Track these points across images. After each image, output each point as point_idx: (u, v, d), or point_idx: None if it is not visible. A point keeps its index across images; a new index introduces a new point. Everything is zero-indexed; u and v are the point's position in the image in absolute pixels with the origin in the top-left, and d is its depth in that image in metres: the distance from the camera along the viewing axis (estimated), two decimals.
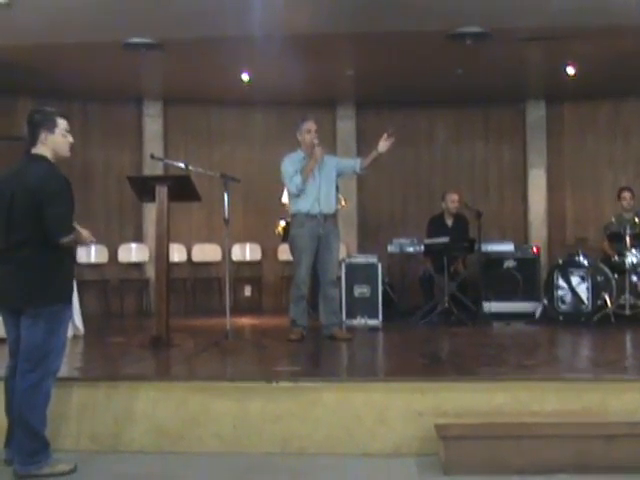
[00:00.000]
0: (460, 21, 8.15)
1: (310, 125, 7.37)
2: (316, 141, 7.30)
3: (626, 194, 9.58)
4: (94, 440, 5.00)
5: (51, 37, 8.15)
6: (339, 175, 7.56)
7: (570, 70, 9.85)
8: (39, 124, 4.51)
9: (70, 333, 7.70)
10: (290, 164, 7.38)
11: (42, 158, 4.50)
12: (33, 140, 4.52)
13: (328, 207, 7.38)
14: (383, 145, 7.27)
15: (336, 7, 7.55)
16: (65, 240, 4.39)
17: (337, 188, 7.54)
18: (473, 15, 7.92)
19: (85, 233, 4.59)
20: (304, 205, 7.33)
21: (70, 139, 4.60)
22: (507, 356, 6.69)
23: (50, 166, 4.51)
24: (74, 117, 11.30)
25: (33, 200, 4.36)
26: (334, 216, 7.48)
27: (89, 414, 5.02)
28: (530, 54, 9.36)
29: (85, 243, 4.67)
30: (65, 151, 4.60)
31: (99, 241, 11.25)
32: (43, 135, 4.50)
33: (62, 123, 4.56)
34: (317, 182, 7.33)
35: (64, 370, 6.01)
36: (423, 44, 8.83)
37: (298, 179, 7.28)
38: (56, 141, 4.54)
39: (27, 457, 4.38)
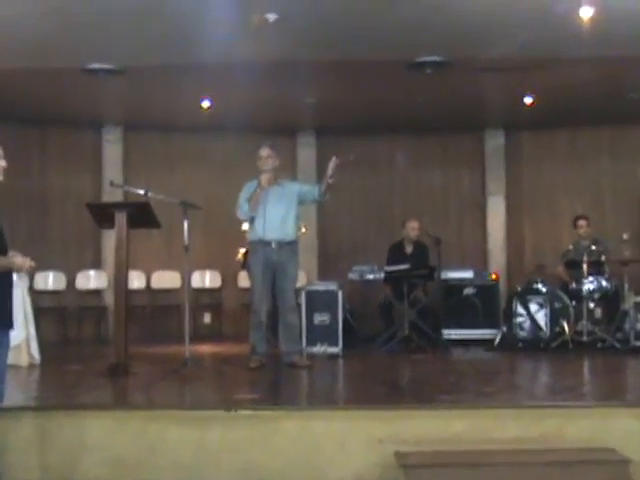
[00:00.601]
0: (420, 50, 8.23)
1: (261, 152, 7.37)
2: (265, 168, 7.29)
3: (582, 222, 9.72)
4: (48, 471, 4.90)
5: (9, 61, 8.08)
6: (301, 202, 7.54)
7: (528, 99, 10.00)
8: None
9: (26, 361, 7.62)
10: (246, 191, 7.42)
11: None
12: None
13: (283, 234, 7.32)
14: (330, 168, 7.20)
15: (297, 35, 7.59)
16: None
17: (297, 215, 7.50)
18: (433, 45, 8.01)
19: (19, 260, 4.46)
20: (257, 232, 7.33)
21: (2, 164, 4.53)
22: (466, 383, 6.71)
23: None
24: (32, 142, 11.29)
25: None
26: (291, 243, 7.39)
27: (44, 444, 4.93)
28: (489, 83, 9.48)
29: (21, 270, 4.53)
30: None
31: (57, 268, 11.16)
32: None
33: None
34: (269, 209, 7.30)
35: (19, 399, 5.93)
36: (383, 73, 8.90)
37: (245, 206, 7.32)
38: None
39: None
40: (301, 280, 10.60)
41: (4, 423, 4.71)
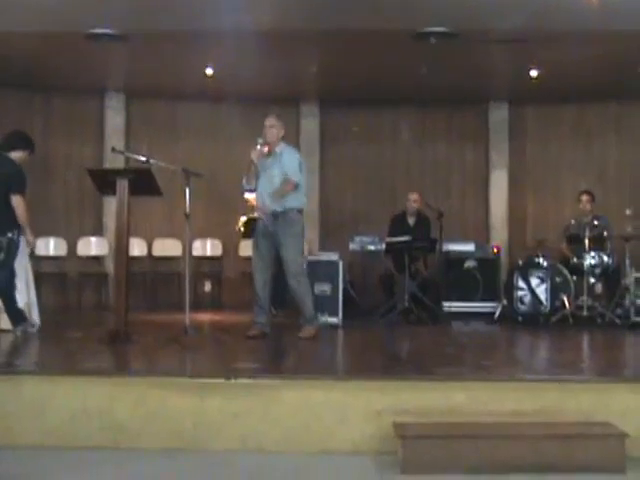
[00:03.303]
0: (426, 21, 8.17)
1: (265, 121, 7.33)
2: (267, 138, 7.20)
3: (584, 197, 9.68)
4: (49, 436, 4.93)
5: (12, 26, 8.03)
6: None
7: (533, 72, 9.94)
8: None
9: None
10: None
11: None
12: None
13: (276, 204, 7.21)
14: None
15: (302, 4, 7.55)
16: None
17: (297, 185, 7.36)
18: (439, 15, 7.95)
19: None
20: (257, 204, 7.38)
21: None
22: (466, 356, 6.73)
23: None
24: (35, 108, 11.26)
25: None
26: (287, 212, 7.22)
27: (44, 409, 4.95)
28: (495, 56, 9.43)
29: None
30: None
31: (58, 234, 11.18)
32: None
33: None
34: (262, 181, 7.27)
35: (19, 364, 5.95)
36: (388, 43, 8.83)
37: (244, 179, 7.34)
38: None
39: None
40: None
41: (5, 388, 4.72)
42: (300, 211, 7.36)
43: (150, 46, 9.03)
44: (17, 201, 7.05)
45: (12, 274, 7.25)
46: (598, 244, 8.95)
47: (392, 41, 8.76)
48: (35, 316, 7.81)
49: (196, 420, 4.91)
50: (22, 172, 7.19)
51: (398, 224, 9.87)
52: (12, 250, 7.13)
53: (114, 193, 6.76)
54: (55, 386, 5.02)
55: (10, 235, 7.08)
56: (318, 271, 8.83)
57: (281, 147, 7.35)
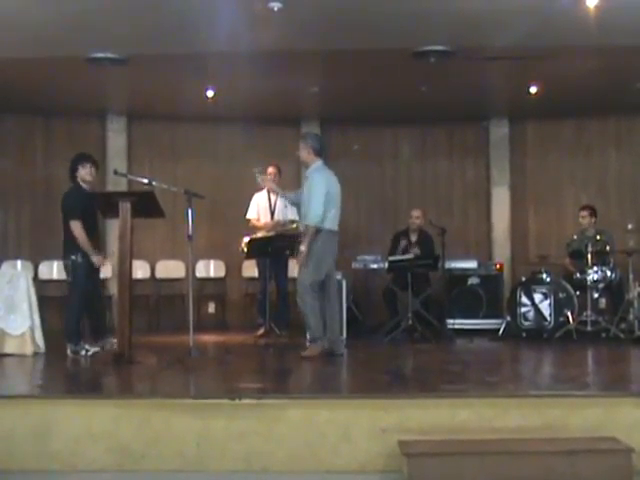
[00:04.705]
0: (425, 39, 8.20)
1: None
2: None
3: (583, 212, 9.71)
4: (54, 459, 4.92)
5: (13, 52, 8.07)
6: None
7: (533, 89, 9.96)
8: None
9: (30, 350, 7.64)
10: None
11: None
12: None
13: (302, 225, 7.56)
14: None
15: (301, 24, 7.57)
16: None
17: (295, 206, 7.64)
18: (438, 34, 7.97)
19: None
20: None
21: None
22: (470, 373, 6.72)
23: None
24: (36, 132, 11.30)
25: None
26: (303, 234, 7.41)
27: (49, 432, 4.94)
28: (494, 73, 9.44)
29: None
30: None
31: (61, 257, 11.15)
32: None
33: None
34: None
35: (24, 388, 5.95)
36: (388, 62, 8.86)
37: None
38: None
39: None
40: None
41: (10, 412, 4.71)
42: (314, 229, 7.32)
43: (151, 69, 9.05)
44: (72, 226, 7.57)
45: (83, 294, 7.69)
46: (601, 259, 8.96)
47: (391, 60, 8.79)
48: (39, 339, 7.82)
49: (200, 441, 4.90)
50: (70, 198, 7.71)
51: (401, 241, 9.87)
52: (77, 271, 7.58)
53: (117, 216, 6.79)
54: (59, 409, 5.02)
55: (73, 258, 7.58)
56: None
57: (311, 170, 7.53)
